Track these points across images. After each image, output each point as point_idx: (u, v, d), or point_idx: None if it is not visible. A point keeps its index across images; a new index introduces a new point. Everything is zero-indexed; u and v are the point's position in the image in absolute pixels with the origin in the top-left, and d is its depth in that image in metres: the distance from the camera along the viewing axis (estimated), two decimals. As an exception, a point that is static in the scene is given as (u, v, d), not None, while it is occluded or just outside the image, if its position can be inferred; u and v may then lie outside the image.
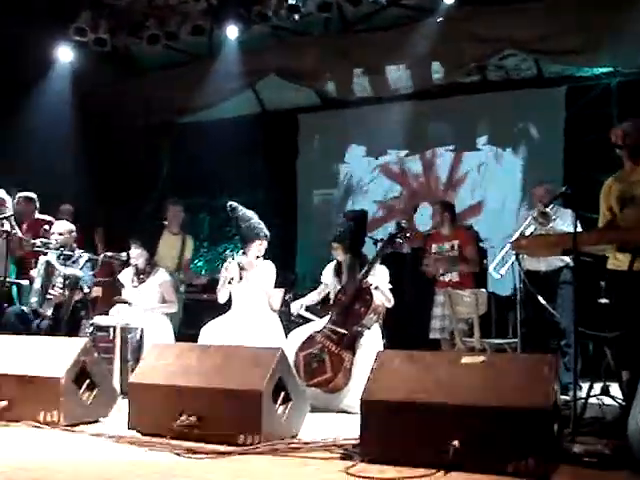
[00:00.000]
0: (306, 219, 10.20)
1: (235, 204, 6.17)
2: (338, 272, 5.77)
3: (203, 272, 9.77)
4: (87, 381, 4.41)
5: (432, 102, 9.45)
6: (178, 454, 3.61)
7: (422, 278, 7.20)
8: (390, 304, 5.59)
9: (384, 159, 9.95)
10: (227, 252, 6.56)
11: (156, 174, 10.33)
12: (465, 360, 3.55)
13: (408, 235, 5.65)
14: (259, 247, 6.02)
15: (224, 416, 3.83)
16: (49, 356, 4.42)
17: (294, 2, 8.28)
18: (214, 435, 3.79)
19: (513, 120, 9.20)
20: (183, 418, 3.87)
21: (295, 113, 10.39)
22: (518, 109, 9.10)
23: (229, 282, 6.05)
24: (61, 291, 6.04)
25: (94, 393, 4.43)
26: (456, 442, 3.17)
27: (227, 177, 10.17)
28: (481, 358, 3.60)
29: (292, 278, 8.84)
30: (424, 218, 8.66)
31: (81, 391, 4.37)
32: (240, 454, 3.61)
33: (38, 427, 4.21)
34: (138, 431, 4.06)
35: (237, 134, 9.92)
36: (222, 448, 3.67)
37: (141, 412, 4.09)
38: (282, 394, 3.95)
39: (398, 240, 5.57)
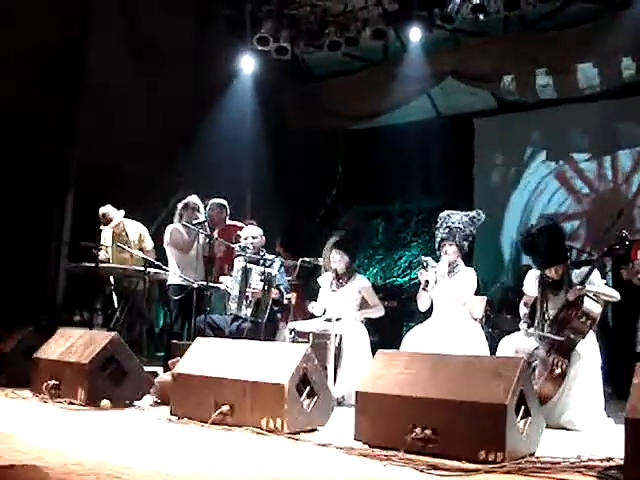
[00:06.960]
0: (483, 225, 9.83)
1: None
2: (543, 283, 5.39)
3: (378, 279, 9.62)
4: (308, 388, 4.31)
5: (621, 101, 8.90)
6: (421, 470, 3.41)
7: (625, 287, 6.69)
8: (616, 299, 5.18)
9: (564, 163, 9.46)
10: (422, 257, 6.39)
11: (330, 180, 10.31)
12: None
13: (628, 244, 5.23)
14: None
15: (462, 430, 3.60)
16: (270, 362, 4.36)
17: (479, 1, 8.06)
18: (452, 450, 3.58)
19: None
20: (418, 431, 3.69)
21: (470, 117, 10.10)
22: None
23: (424, 288, 5.92)
24: (258, 289, 6.06)
25: (314, 401, 4.34)
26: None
27: (401, 183, 10.05)
28: None
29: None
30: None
31: (302, 398, 4.29)
32: (487, 472, 3.37)
33: (262, 434, 4.16)
34: (365, 442, 3.92)
35: (411, 140, 9.78)
36: (466, 465, 3.45)
37: (369, 423, 3.94)
38: (522, 408, 3.69)
39: (618, 251, 5.18)
